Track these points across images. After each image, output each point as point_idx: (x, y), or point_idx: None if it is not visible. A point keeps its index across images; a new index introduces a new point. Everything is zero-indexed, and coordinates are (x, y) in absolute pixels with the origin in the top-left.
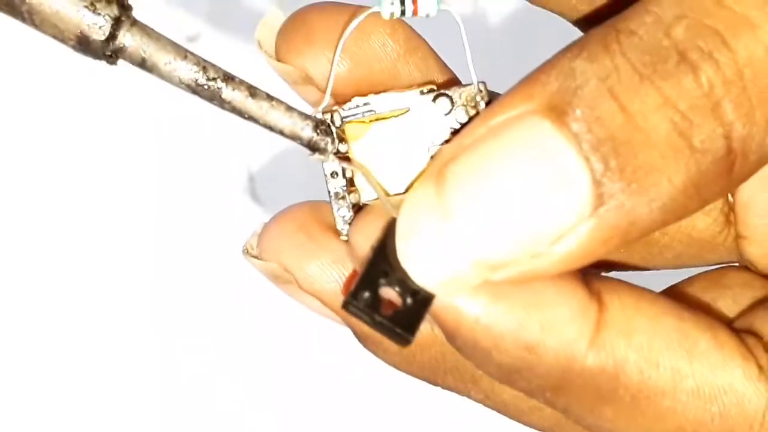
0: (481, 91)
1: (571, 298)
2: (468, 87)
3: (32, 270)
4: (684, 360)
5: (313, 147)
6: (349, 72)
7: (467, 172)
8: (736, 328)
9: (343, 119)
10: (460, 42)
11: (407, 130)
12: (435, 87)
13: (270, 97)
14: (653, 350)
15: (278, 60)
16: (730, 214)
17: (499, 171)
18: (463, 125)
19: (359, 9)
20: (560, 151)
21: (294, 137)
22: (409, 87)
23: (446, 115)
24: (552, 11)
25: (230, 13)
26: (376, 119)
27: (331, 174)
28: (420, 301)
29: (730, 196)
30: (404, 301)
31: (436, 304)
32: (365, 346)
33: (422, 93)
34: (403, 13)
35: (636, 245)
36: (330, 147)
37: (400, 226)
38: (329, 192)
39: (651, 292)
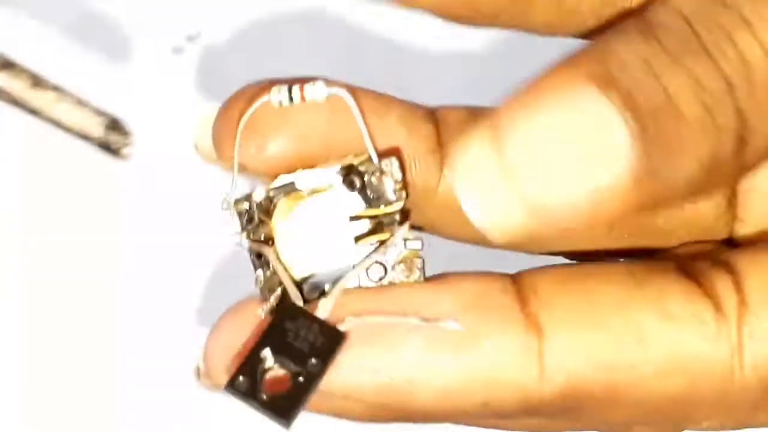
0: (382, 169)
1: (510, 343)
2: (377, 162)
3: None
4: (636, 348)
5: (105, 147)
6: (288, 149)
7: (520, 119)
8: (699, 268)
9: (271, 198)
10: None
11: (329, 207)
12: (352, 163)
13: (56, 89)
14: (603, 353)
15: (219, 161)
16: (733, 198)
17: (548, 120)
18: (374, 196)
19: (276, 86)
20: (606, 114)
21: (84, 135)
22: (336, 160)
23: (359, 190)
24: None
25: (230, 13)
26: (299, 197)
27: (257, 255)
28: (301, 385)
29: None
30: (290, 380)
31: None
32: None
33: (338, 171)
34: (291, 100)
35: (642, 237)
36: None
37: (459, 163)
38: (256, 278)
39: (585, 281)
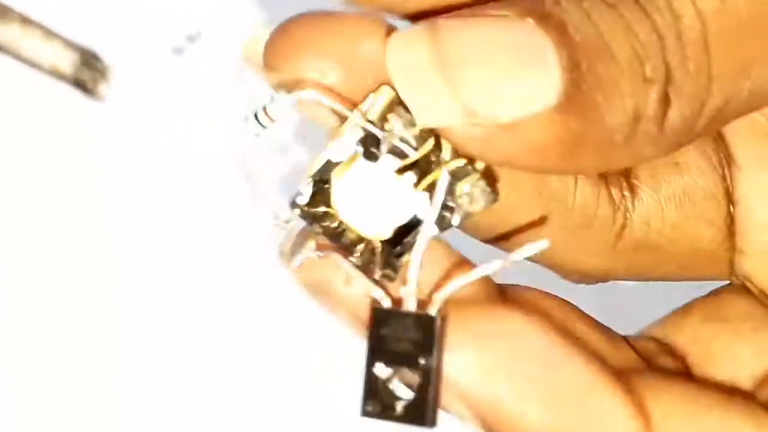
0: (393, 129)
1: (619, 421)
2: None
3: (27, 280)
4: None
5: (78, 85)
6: (344, 82)
7: (461, 30)
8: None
9: (324, 180)
10: None
11: (372, 171)
12: (366, 129)
13: (23, 20)
14: None
15: (268, 70)
16: (732, 225)
17: (487, 38)
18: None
19: (344, 17)
20: (541, 45)
21: (56, 73)
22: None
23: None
24: None
25: (230, 13)
26: (345, 167)
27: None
28: (424, 385)
29: (731, 207)
30: (413, 389)
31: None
32: None
33: (357, 143)
34: (262, 126)
35: (643, 254)
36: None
37: (395, 47)
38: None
39: (690, 382)
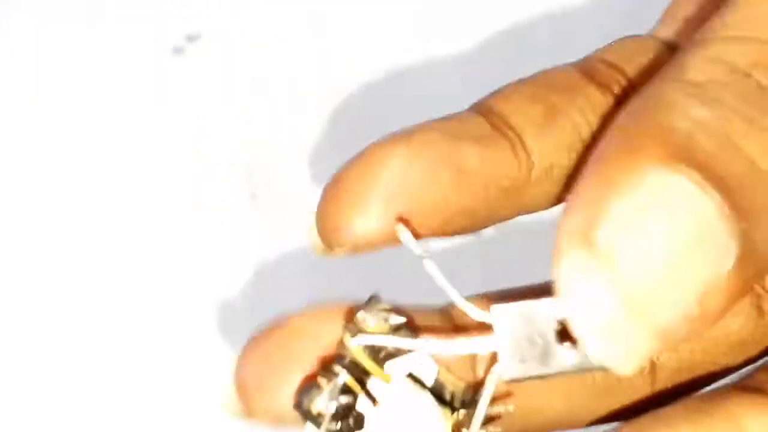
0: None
1: None
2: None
3: (27, 276)
4: None
5: None
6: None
7: (616, 235)
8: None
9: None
10: None
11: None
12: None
13: None
14: None
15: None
16: (760, 303)
17: (652, 232)
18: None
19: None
20: (702, 206)
21: None
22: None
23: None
24: None
25: (231, 13)
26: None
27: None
28: None
29: (758, 287)
30: None
31: None
32: None
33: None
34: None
35: (683, 372)
36: None
37: (573, 298)
38: None
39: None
